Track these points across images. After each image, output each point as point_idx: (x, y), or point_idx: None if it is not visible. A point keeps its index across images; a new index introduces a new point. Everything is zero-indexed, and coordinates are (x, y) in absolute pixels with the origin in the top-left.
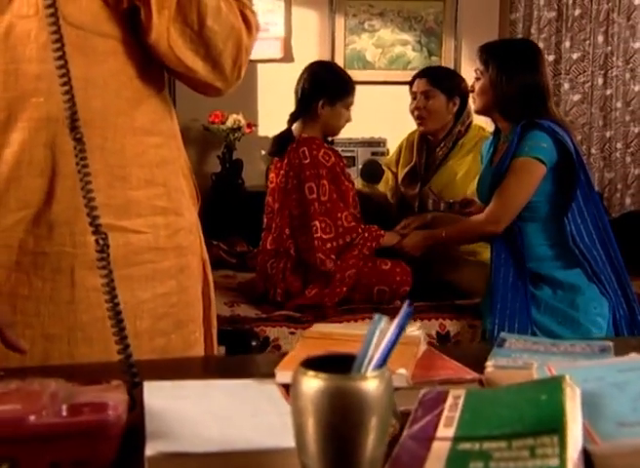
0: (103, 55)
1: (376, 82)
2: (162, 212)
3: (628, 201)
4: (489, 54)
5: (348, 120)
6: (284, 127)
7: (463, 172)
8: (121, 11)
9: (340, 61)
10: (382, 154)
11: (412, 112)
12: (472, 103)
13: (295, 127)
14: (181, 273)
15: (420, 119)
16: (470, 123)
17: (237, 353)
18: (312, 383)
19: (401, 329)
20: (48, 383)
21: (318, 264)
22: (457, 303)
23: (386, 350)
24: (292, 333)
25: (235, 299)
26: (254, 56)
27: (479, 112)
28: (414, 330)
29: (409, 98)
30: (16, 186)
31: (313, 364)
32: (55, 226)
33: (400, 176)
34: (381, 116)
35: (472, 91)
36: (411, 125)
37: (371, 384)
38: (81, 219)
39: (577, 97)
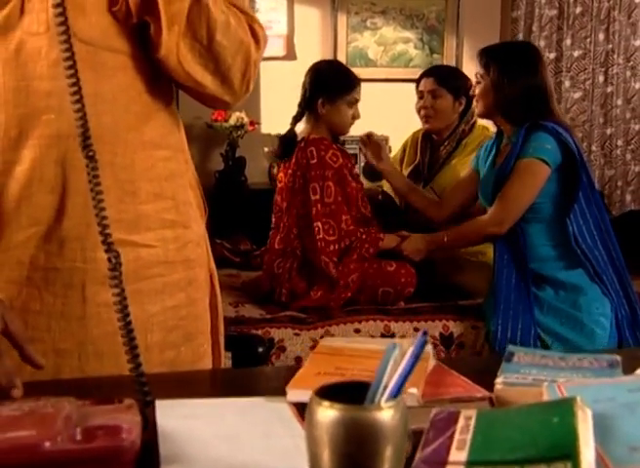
0: (113, 70)
1: (378, 79)
2: (171, 225)
3: (629, 198)
4: (489, 57)
5: (356, 117)
6: (287, 124)
7: (467, 171)
8: (130, 26)
9: (342, 59)
10: None
11: (418, 111)
12: (475, 107)
13: (301, 128)
14: (190, 286)
15: (426, 118)
16: (474, 122)
17: (244, 359)
18: (328, 413)
19: (416, 358)
20: (61, 405)
21: (323, 267)
22: (460, 304)
23: (401, 379)
24: (296, 335)
25: (239, 299)
26: None
27: (481, 116)
28: None
29: (411, 96)
30: (27, 204)
31: (328, 392)
32: (66, 242)
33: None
34: (384, 114)
35: (473, 95)
36: (413, 122)
37: (386, 414)
38: (92, 235)
39: (577, 95)
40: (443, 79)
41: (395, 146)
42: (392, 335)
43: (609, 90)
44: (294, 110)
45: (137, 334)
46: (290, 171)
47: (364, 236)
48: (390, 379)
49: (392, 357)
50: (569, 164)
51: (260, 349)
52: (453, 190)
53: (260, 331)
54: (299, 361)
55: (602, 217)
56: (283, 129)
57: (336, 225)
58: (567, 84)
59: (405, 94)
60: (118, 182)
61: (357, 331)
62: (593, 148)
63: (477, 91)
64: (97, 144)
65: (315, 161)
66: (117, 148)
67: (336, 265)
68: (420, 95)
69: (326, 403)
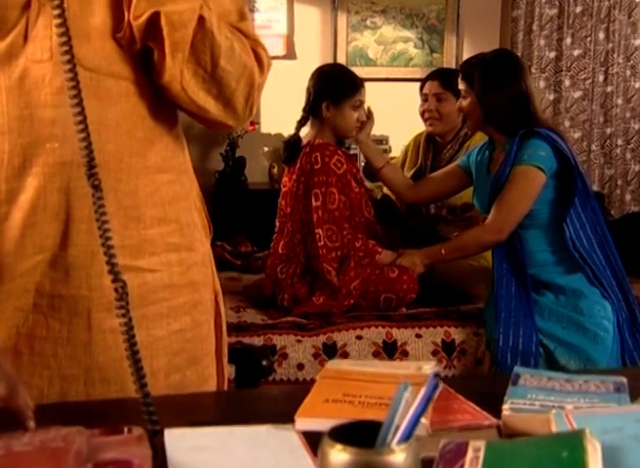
0: (116, 96)
1: (377, 79)
2: (175, 248)
3: (628, 197)
4: (470, 71)
5: (361, 119)
6: (287, 124)
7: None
8: (134, 52)
9: (342, 59)
10: (385, 152)
11: (422, 114)
12: (467, 127)
13: (306, 133)
14: (195, 309)
15: (430, 121)
16: None
17: (247, 372)
18: (340, 456)
19: (427, 401)
20: (72, 438)
21: (325, 274)
22: (461, 309)
23: (413, 422)
24: (298, 341)
25: (241, 304)
26: None
27: (473, 130)
28: (429, 368)
29: (411, 96)
30: (31, 232)
31: (340, 432)
32: (71, 270)
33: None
34: (384, 113)
35: (461, 110)
36: (413, 122)
37: (398, 457)
38: (97, 262)
39: (577, 94)
40: (448, 82)
41: (395, 146)
42: (394, 342)
43: (609, 89)
44: (294, 110)
45: (142, 360)
46: (294, 176)
47: (362, 246)
48: (402, 420)
49: (404, 398)
50: (564, 169)
51: (265, 362)
52: (430, 178)
53: (262, 338)
54: (301, 367)
55: (598, 221)
56: (283, 128)
57: (339, 231)
58: (567, 83)
59: (405, 93)
60: (122, 209)
61: (359, 337)
62: (593, 147)
63: (464, 106)
64: (101, 171)
65: (319, 166)
66: (121, 175)
67: (337, 273)
68: (425, 97)
69: (339, 446)
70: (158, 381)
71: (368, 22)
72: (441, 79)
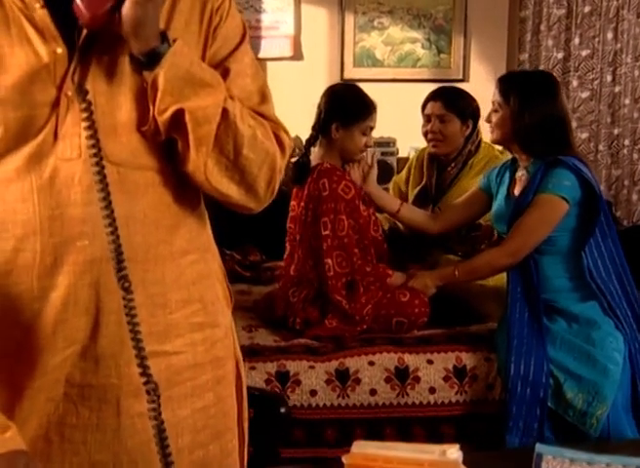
0: (143, 188)
1: (385, 80)
2: (199, 328)
3: (635, 198)
4: (509, 86)
5: (369, 145)
6: (294, 125)
7: (472, 189)
8: (158, 142)
9: (349, 59)
10: (392, 154)
11: (425, 135)
12: (490, 133)
13: (314, 153)
14: (219, 384)
15: (434, 142)
16: (480, 141)
17: (265, 419)
18: None
19: None
20: None
21: (335, 302)
22: (472, 331)
23: None
24: (311, 368)
25: (252, 322)
26: (263, 54)
27: (496, 143)
28: (453, 452)
29: (418, 96)
30: (62, 328)
31: None
32: (100, 359)
33: (410, 197)
34: (391, 114)
35: (489, 122)
36: (420, 124)
37: None
38: (126, 350)
39: (585, 95)
40: (450, 103)
41: (402, 148)
42: (406, 368)
43: (617, 89)
44: (301, 111)
45: (168, 440)
46: (302, 203)
47: (372, 272)
48: None
49: None
50: (588, 199)
51: (283, 410)
52: (454, 206)
53: (274, 364)
54: (314, 394)
55: (617, 251)
56: (290, 130)
57: (348, 258)
58: (575, 83)
59: (412, 94)
60: (149, 297)
61: (371, 363)
62: (600, 148)
63: (494, 119)
64: (129, 264)
65: (327, 193)
66: (148, 265)
67: (348, 302)
68: (427, 118)
69: None
70: (182, 459)
71: (375, 23)
72: (444, 100)
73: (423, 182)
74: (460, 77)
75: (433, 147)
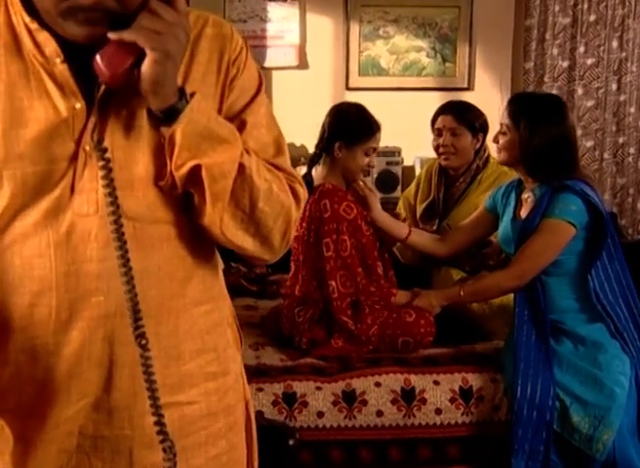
0: (159, 242)
1: (390, 88)
2: (213, 377)
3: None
4: (519, 110)
5: (371, 165)
6: (299, 134)
7: (478, 210)
8: (174, 196)
9: (354, 68)
10: (397, 163)
11: (435, 148)
12: (497, 153)
13: (317, 171)
14: (231, 431)
15: (445, 155)
16: (488, 157)
17: (274, 451)
18: None
19: None
20: None
21: (341, 323)
22: (478, 350)
23: None
24: (318, 389)
25: (259, 340)
26: (268, 63)
27: (503, 164)
28: None
29: (423, 105)
30: (76, 381)
31: None
32: (114, 411)
33: (419, 211)
34: (396, 123)
35: (496, 142)
36: (425, 133)
37: None
38: (139, 402)
39: (590, 103)
40: (461, 116)
41: (407, 157)
42: (412, 389)
43: (622, 98)
44: (306, 119)
45: None
46: (304, 223)
47: (376, 292)
48: None
49: None
50: (595, 222)
51: (291, 442)
52: (460, 228)
53: (281, 385)
54: (321, 415)
55: (624, 273)
56: (295, 138)
57: (352, 278)
58: (580, 92)
59: (417, 103)
60: (163, 349)
61: (378, 384)
62: (605, 156)
63: (501, 140)
64: (143, 318)
65: (329, 214)
66: (162, 318)
67: (354, 322)
68: (439, 132)
69: None
70: None
71: (380, 32)
72: (455, 113)
73: (431, 197)
74: (466, 86)
75: (445, 160)
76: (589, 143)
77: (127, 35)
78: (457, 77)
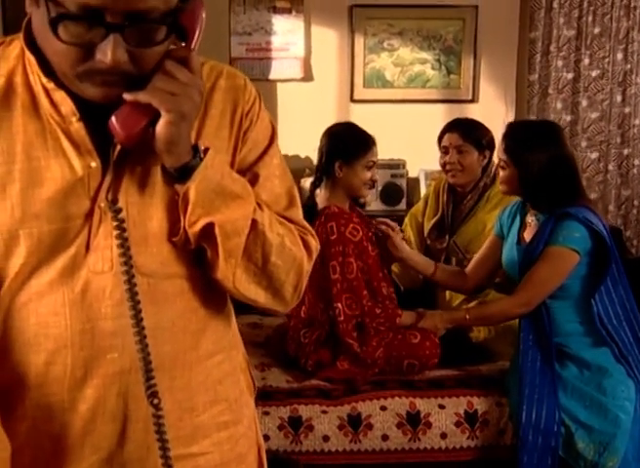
0: (172, 297)
1: (394, 100)
2: (225, 426)
3: None
4: (513, 144)
5: (373, 179)
6: (304, 145)
7: (491, 225)
8: (188, 251)
9: (359, 80)
10: (402, 176)
11: (442, 166)
12: (499, 184)
13: (320, 195)
14: None
15: (452, 172)
16: (495, 174)
17: None
18: None
19: None
20: None
21: (347, 346)
22: (482, 372)
23: None
24: (324, 412)
25: (264, 360)
26: (274, 75)
27: (506, 195)
28: None
29: (428, 117)
30: (90, 437)
31: None
32: (127, 464)
33: (427, 228)
34: (401, 135)
35: (497, 174)
36: (429, 145)
37: None
38: (152, 455)
39: (595, 115)
40: (468, 134)
41: (412, 170)
42: (418, 413)
43: (627, 110)
44: (311, 131)
45: None
46: None
47: (382, 313)
48: None
49: None
50: (598, 249)
51: None
52: (478, 260)
53: (287, 409)
54: (326, 439)
55: (628, 297)
56: (300, 150)
57: (358, 300)
58: (584, 104)
59: (422, 115)
60: (177, 403)
61: (383, 408)
62: (610, 168)
63: (501, 174)
64: (156, 373)
65: (335, 237)
66: (175, 372)
67: (360, 345)
68: (445, 150)
69: None
70: None
71: (385, 44)
72: (461, 131)
73: (439, 214)
74: (470, 98)
75: (452, 178)
76: (594, 155)
77: (142, 97)
78: (461, 89)
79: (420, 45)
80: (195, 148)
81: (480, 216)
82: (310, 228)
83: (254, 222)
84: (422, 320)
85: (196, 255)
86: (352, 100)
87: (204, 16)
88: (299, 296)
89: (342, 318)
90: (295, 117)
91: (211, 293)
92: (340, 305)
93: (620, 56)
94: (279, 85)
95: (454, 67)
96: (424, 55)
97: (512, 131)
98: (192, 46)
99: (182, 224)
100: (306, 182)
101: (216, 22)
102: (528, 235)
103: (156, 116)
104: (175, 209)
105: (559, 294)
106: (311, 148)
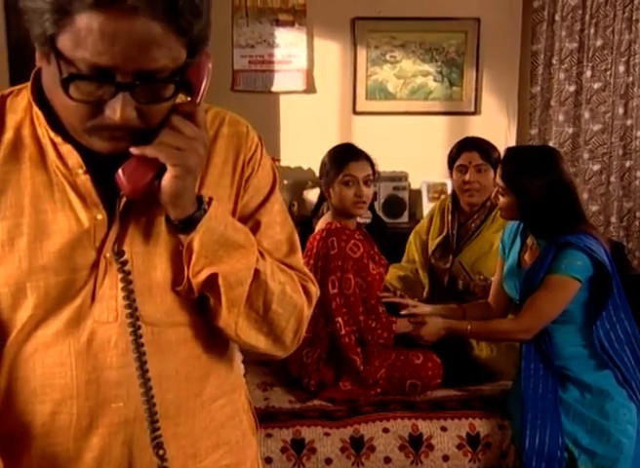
0: (176, 345)
1: (397, 112)
2: None
3: None
4: (511, 171)
5: (359, 194)
6: (306, 157)
7: (497, 246)
8: (191, 299)
9: (361, 92)
10: (404, 189)
11: (460, 185)
12: (499, 210)
13: (322, 220)
14: None
15: (471, 192)
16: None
17: None
18: None
19: None
20: None
21: (350, 361)
22: (485, 392)
23: None
24: (326, 435)
25: (267, 379)
26: (276, 87)
27: (507, 220)
28: None
29: (430, 129)
30: None
31: None
32: None
33: (431, 247)
34: (403, 147)
35: (496, 199)
36: (431, 156)
37: None
38: None
39: (597, 127)
40: (486, 153)
41: (413, 181)
42: (420, 436)
43: (628, 122)
44: (313, 143)
45: None
46: (311, 260)
47: (378, 325)
48: None
49: None
50: (600, 274)
51: None
52: (495, 287)
53: (290, 431)
54: (329, 462)
55: (629, 322)
56: (302, 162)
57: (355, 317)
58: (586, 116)
59: (424, 127)
60: (181, 449)
61: (385, 430)
62: (612, 180)
63: (500, 201)
64: (161, 421)
65: (335, 252)
66: (179, 419)
67: (363, 362)
68: (463, 169)
69: None
70: None
71: (387, 57)
72: (479, 150)
73: (444, 233)
74: (472, 110)
75: (469, 197)
76: (596, 167)
77: (149, 151)
78: (463, 101)
79: (422, 57)
80: (199, 199)
81: (486, 236)
82: (311, 275)
83: (256, 272)
84: (424, 328)
85: (199, 303)
86: (355, 113)
87: (210, 68)
88: (298, 342)
89: (343, 332)
90: (297, 129)
91: (213, 339)
92: (340, 320)
93: (621, 68)
94: (282, 97)
95: (456, 79)
96: (427, 67)
97: (510, 156)
98: (198, 100)
99: (186, 274)
100: (309, 194)
101: (219, 35)
102: (529, 258)
103: (162, 169)
104: (179, 258)
105: (561, 319)
106: (314, 160)
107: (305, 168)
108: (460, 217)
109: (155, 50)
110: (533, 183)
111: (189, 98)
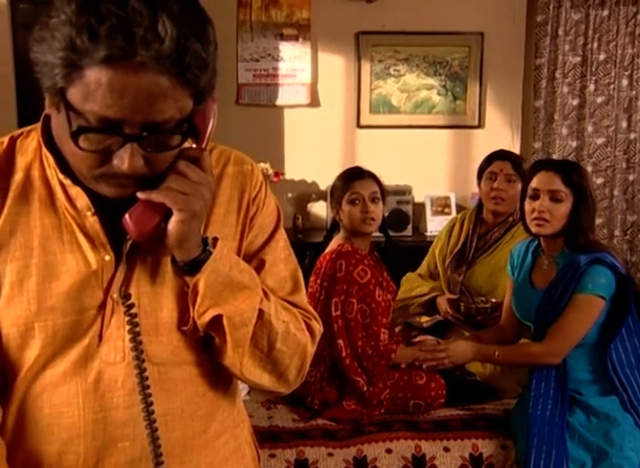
0: (181, 384)
1: (401, 126)
2: None
3: None
4: (572, 177)
5: (367, 211)
6: (310, 170)
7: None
8: (196, 338)
9: (365, 106)
10: (408, 202)
11: (487, 192)
12: (543, 222)
13: (335, 238)
14: None
15: (497, 200)
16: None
17: None
18: None
19: None
20: None
21: (353, 383)
22: (488, 411)
23: None
24: (330, 455)
25: (271, 397)
26: (281, 101)
27: (549, 236)
28: None
29: (434, 142)
30: None
31: None
32: None
33: (448, 257)
34: (407, 160)
35: (541, 211)
36: (435, 170)
37: None
38: None
39: (600, 141)
40: (517, 165)
41: (417, 195)
42: (423, 456)
43: (632, 136)
44: (318, 157)
45: None
46: (319, 280)
47: (373, 353)
48: None
49: None
50: (619, 294)
51: None
52: (506, 309)
53: (293, 451)
54: None
55: None
56: (307, 175)
57: (353, 341)
58: (590, 129)
59: (428, 140)
60: None
61: (389, 451)
62: (615, 193)
63: (553, 210)
64: (166, 460)
65: (342, 275)
66: (185, 457)
67: (366, 383)
68: (493, 177)
69: None
70: None
71: (391, 70)
72: (511, 161)
73: (461, 243)
74: (476, 124)
75: (494, 205)
76: (600, 180)
77: (155, 196)
78: (467, 115)
79: (426, 71)
80: (204, 241)
81: (504, 252)
82: (314, 312)
83: (260, 312)
84: (452, 345)
85: (204, 341)
86: (359, 126)
87: (216, 112)
88: (302, 378)
89: (344, 354)
90: (301, 143)
91: (218, 377)
92: (341, 342)
93: (625, 82)
94: (286, 111)
95: (460, 93)
96: (430, 81)
97: (567, 165)
98: (204, 145)
99: (191, 314)
100: (313, 207)
101: (223, 49)
102: (542, 279)
103: (168, 213)
104: (184, 298)
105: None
106: (318, 173)
107: (309, 181)
108: (481, 229)
109: (162, 102)
110: (590, 190)
111: (195, 144)
